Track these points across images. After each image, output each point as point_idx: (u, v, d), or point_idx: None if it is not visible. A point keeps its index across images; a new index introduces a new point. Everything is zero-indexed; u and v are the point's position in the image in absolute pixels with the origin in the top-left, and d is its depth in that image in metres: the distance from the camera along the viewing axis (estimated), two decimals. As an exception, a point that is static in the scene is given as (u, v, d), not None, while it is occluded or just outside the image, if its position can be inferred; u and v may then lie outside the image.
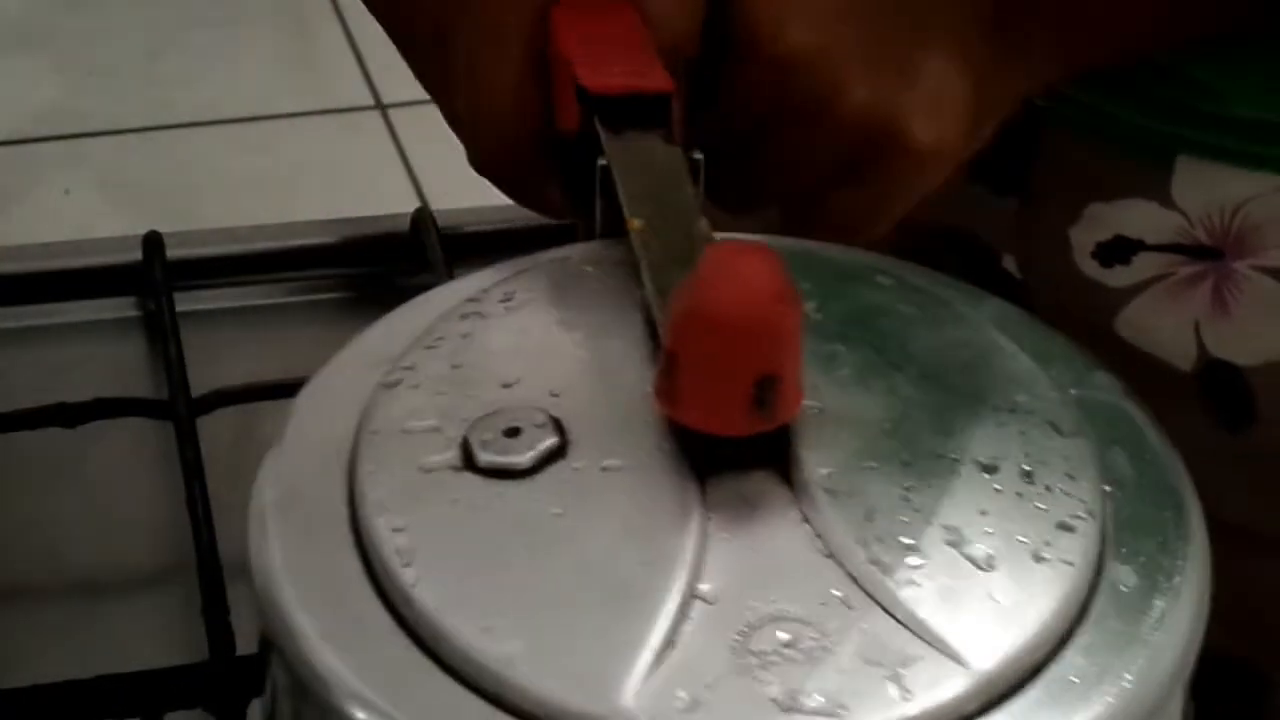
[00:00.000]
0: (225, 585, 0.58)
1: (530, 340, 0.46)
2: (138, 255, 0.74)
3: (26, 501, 0.66)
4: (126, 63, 1.50)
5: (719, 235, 0.49)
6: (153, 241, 0.74)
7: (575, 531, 0.41)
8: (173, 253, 0.73)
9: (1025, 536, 0.42)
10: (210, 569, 0.59)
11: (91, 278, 0.75)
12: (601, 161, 0.50)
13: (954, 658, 0.39)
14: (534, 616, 0.40)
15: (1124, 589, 0.42)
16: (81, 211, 1.35)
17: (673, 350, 0.42)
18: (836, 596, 0.40)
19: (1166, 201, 0.62)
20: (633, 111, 0.52)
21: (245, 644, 0.57)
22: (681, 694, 0.38)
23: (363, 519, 0.42)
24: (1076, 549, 0.42)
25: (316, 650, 0.40)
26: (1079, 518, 0.42)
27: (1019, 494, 0.43)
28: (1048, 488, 0.43)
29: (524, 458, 0.42)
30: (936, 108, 0.53)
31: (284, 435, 0.45)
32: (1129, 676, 0.40)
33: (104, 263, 0.75)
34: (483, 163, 0.54)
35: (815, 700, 0.38)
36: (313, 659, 0.40)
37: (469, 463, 0.43)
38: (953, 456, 0.43)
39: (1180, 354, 0.64)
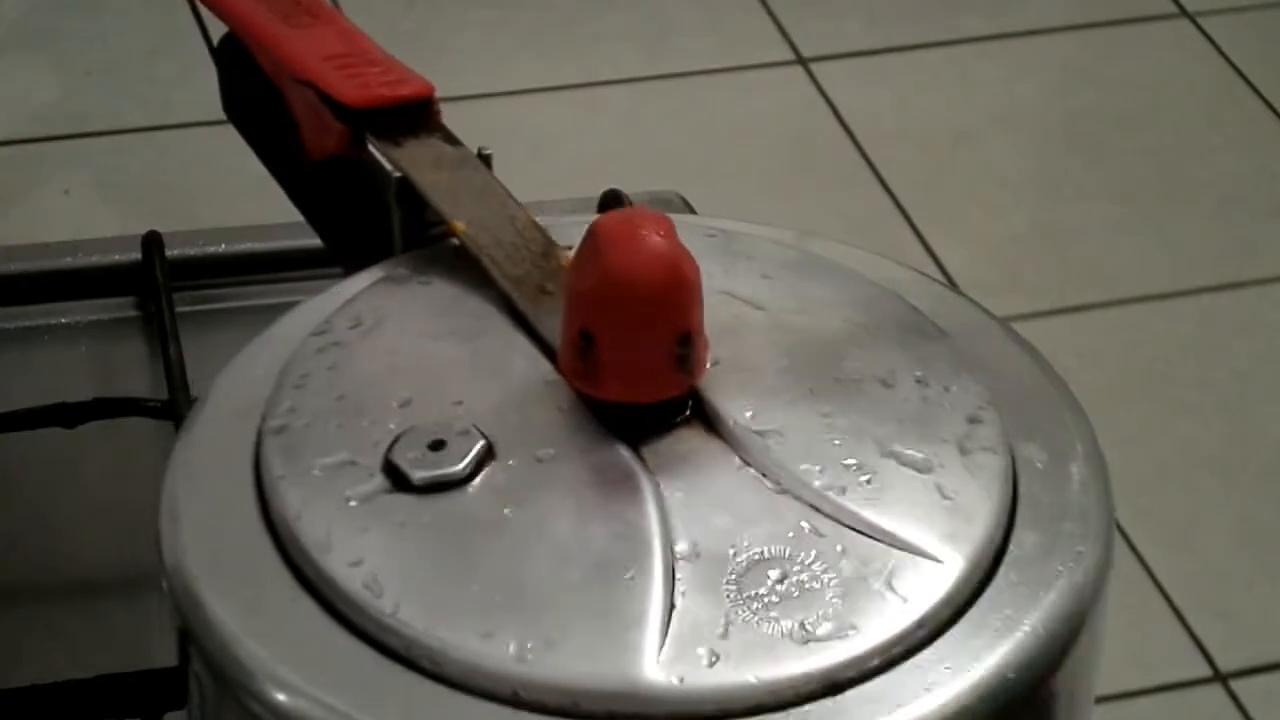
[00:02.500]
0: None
1: (403, 359, 0.46)
2: (137, 255, 0.74)
3: (26, 501, 0.66)
4: (126, 63, 1.50)
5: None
6: (153, 241, 0.73)
7: (535, 525, 0.41)
8: (173, 253, 0.73)
9: (946, 435, 0.44)
10: (210, 569, 0.59)
11: (91, 278, 0.75)
12: (396, 174, 0.50)
13: (933, 557, 0.41)
14: (530, 613, 0.40)
15: (1039, 465, 0.44)
16: (81, 211, 1.35)
17: (586, 329, 0.42)
18: (805, 528, 0.41)
19: None
20: (400, 120, 0.51)
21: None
22: (701, 651, 0.39)
23: (311, 565, 0.41)
24: (992, 436, 0.44)
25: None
26: (981, 408, 0.45)
27: (923, 399, 0.45)
28: (945, 388, 0.45)
29: (459, 466, 0.42)
30: None
31: (175, 501, 0.44)
32: (1079, 543, 0.43)
33: (104, 263, 0.75)
34: None
35: (825, 627, 0.39)
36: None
37: (401, 484, 0.42)
38: (852, 379, 0.45)
39: None
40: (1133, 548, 1.36)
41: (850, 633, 0.39)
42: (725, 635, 0.39)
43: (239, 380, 0.47)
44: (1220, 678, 1.34)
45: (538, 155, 1.34)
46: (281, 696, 0.39)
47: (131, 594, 0.63)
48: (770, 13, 1.65)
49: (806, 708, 0.39)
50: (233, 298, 0.75)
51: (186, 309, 0.71)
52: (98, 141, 1.44)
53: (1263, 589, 1.38)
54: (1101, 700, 1.34)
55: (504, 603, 0.40)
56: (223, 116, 0.62)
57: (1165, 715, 1.31)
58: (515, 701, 0.38)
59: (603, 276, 0.41)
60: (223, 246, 0.76)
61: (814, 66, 1.58)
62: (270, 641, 0.40)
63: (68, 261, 0.75)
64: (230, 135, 0.62)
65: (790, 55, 1.61)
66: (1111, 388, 1.37)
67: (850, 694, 0.39)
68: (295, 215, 0.61)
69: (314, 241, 0.81)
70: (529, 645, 0.39)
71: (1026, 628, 0.41)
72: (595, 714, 0.38)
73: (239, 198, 0.66)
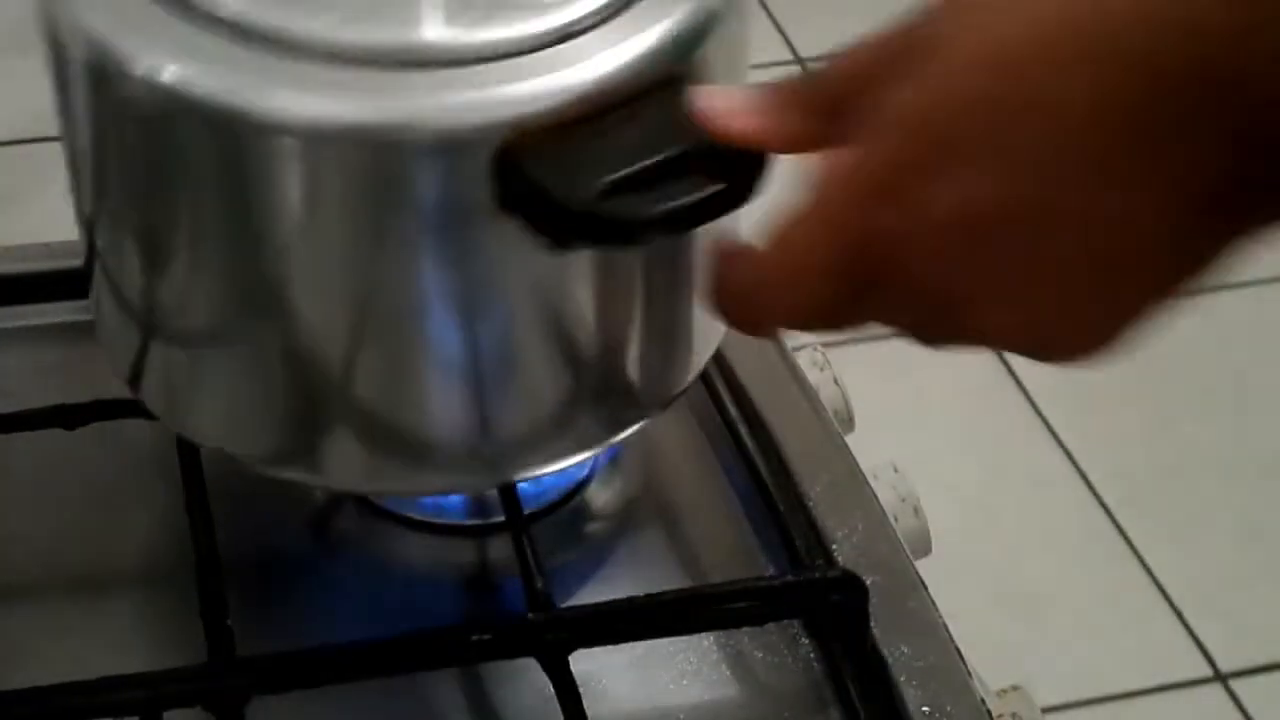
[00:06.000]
0: (225, 586, 0.58)
1: None
2: (138, 255, 0.74)
3: (26, 501, 0.66)
4: (127, 63, 1.50)
5: None
6: (153, 242, 0.73)
7: None
8: (173, 253, 0.73)
9: None
10: (210, 569, 0.59)
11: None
12: None
13: None
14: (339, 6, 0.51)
15: None
16: (82, 211, 1.35)
17: None
18: None
19: None
20: None
21: (245, 644, 0.57)
22: (471, 13, 0.51)
23: None
24: None
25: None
26: None
27: None
28: None
29: None
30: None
31: None
32: None
33: (104, 263, 0.75)
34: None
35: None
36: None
37: None
38: None
39: None
40: (1133, 548, 1.36)
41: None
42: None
43: None
44: (1220, 678, 1.34)
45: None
46: (146, 75, 0.51)
47: (131, 594, 0.64)
48: (770, 13, 1.65)
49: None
50: (233, 298, 0.75)
51: (186, 309, 0.71)
52: (98, 141, 1.44)
53: (1263, 589, 1.38)
54: (1102, 700, 1.34)
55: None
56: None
57: (1165, 715, 1.31)
58: (330, 60, 0.50)
59: None
60: (223, 247, 0.76)
61: (813, 67, 1.57)
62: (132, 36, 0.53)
63: (68, 262, 0.75)
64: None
65: (790, 55, 1.61)
66: (1111, 388, 1.37)
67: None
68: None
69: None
70: (339, 21, 0.51)
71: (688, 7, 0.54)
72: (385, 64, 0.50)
73: (239, 198, 0.66)
